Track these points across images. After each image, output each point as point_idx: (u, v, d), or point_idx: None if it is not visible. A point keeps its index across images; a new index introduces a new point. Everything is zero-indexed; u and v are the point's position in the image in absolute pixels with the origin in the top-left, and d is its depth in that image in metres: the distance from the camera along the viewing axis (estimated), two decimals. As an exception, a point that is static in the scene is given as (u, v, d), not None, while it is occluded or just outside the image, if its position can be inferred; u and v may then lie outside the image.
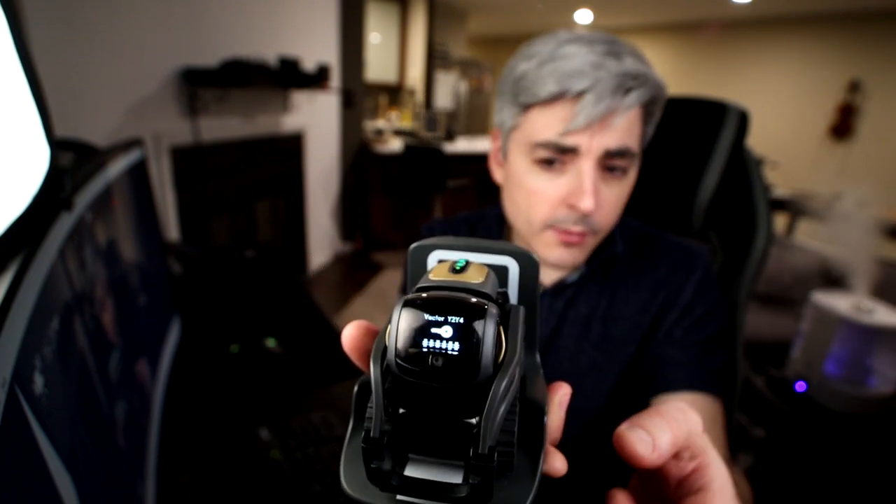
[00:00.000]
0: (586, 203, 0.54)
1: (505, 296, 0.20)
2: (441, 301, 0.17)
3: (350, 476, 0.19)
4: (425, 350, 0.16)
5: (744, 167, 0.77)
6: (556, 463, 0.21)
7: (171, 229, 2.16)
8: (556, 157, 0.56)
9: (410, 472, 0.18)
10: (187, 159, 2.19)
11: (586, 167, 0.54)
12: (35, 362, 0.33)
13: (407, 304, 0.17)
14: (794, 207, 3.26)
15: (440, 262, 0.21)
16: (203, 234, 2.42)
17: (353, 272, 3.54)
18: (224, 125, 2.38)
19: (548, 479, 0.20)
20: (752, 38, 5.48)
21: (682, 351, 0.63)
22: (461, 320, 0.16)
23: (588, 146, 0.53)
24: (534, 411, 0.19)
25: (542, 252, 0.62)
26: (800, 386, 1.14)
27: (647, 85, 0.53)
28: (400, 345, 0.17)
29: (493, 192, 0.70)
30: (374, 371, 0.17)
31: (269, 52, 2.51)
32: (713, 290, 0.66)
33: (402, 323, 0.17)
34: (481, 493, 0.17)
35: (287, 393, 0.91)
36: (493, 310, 0.17)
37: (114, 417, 0.51)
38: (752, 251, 0.76)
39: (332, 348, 1.08)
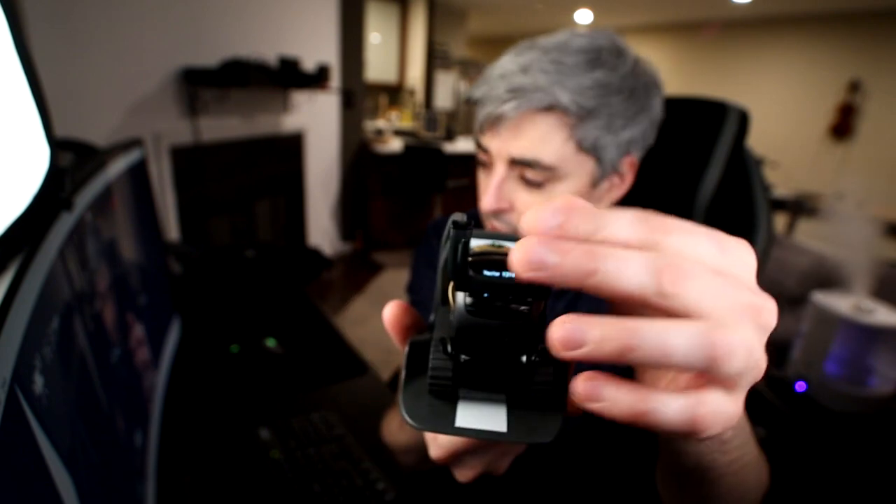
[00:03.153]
0: (484, 202, 0.58)
1: None
2: (500, 259, 0.21)
3: (412, 411, 0.23)
4: (489, 296, 0.20)
5: (744, 167, 0.77)
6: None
7: (171, 229, 2.16)
8: (483, 156, 0.59)
9: (470, 405, 0.22)
10: (187, 159, 2.19)
11: (497, 168, 0.58)
12: (35, 362, 0.33)
13: (472, 263, 0.21)
14: (794, 207, 3.26)
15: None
16: (203, 234, 2.42)
17: (353, 272, 3.54)
18: (224, 125, 2.38)
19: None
20: (752, 38, 5.48)
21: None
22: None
23: (498, 149, 0.57)
24: (559, 365, 0.24)
25: None
26: (800, 386, 1.14)
27: (527, 98, 0.53)
28: (469, 295, 0.21)
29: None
30: (451, 313, 0.21)
31: (269, 52, 2.51)
32: None
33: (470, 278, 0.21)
34: (533, 411, 0.22)
35: (287, 393, 0.91)
36: None
37: (114, 417, 0.51)
38: (752, 251, 0.76)
39: (333, 348, 1.08)
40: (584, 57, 0.54)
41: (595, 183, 0.57)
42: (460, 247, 0.21)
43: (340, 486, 0.69)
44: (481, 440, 0.27)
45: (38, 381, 0.33)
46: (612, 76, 0.54)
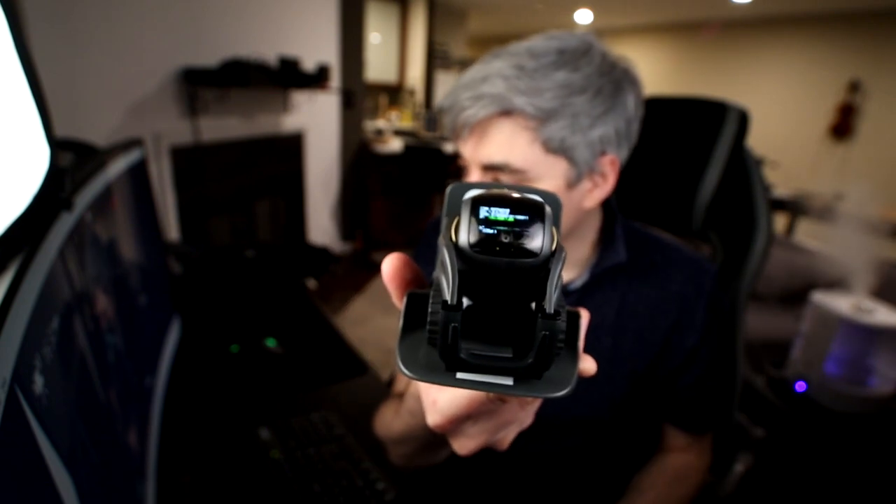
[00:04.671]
0: None
1: None
2: (506, 196, 0.19)
3: (409, 362, 0.21)
4: (496, 232, 0.19)
5: (744, 167, 0.77)
6: (588, 363, 0.24)
7: (171, 229, 2.16)
8: (462, 161, 0.61)
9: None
10: (187, 159, 2.19)
11: (472, 173, 0.59)
12: (35, 362, 0.33)
13: (476, 199, 0.19)
14: (794, 207, 3.26)
15: None
16: (203, 234, 2.42)
17: (353, 272, 3.54)
18: (224, 125, 2.38)
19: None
20: (752, 38, 5.48)
21: (694, 391, 0.67)
22: (526, 209, 0.19)
23: (470, 155, 0.59)
24: (572, 316, 0.22)
25: None
26: (800, 386, 1.14)
27: (482, 105, 0.54)
28: (473, 231, 0.19)
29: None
30: (448, 251, 0.19)
31: (269, 52, 2.51)
32: (722, 307, 0.68)
33: (474, 214, 0.19)
34: (545, 352, 0.19)
35: (287, 393, 0.91)
36: (546, 207, 0.19)
37: (114, 417, 0.51)
38: (751, 251, 0.76)
39: (333, 348, 1.08)
40: (547, 59, 0.54)
41: (571, 184, 0.57)
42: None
43: (340, 486, 0.69)
44: (484, 405, 0.25)
45: (38, 381, 0.33)
46: (575, 76, 0.54)
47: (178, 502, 0.67)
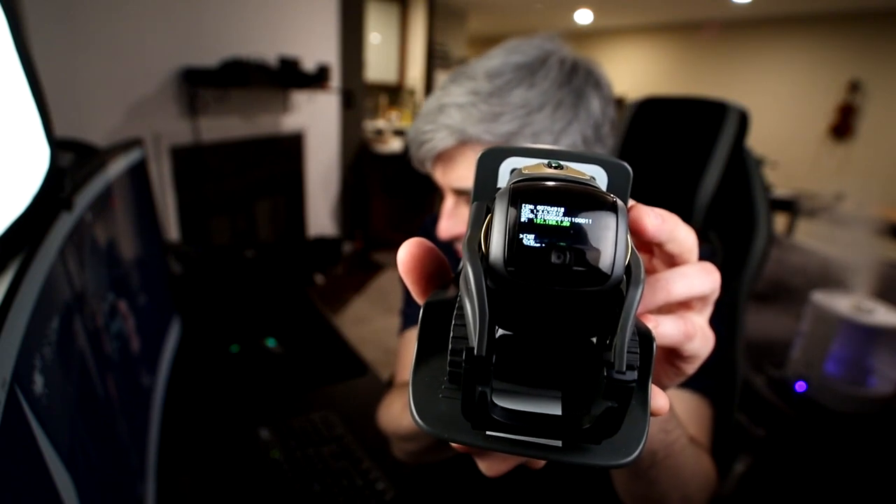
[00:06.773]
0: (439, 230, 0.59)
1: None
2: (561, 189, 0.14)
3: (424, 407, 0.16)
4: (546, 245, 0.13)
5: (744, 167, 0.77)
6: (661, 400, 0.19)
7: (171, 229, 2.16)
8: (437, 184, 0.61)
9: (504, 404, 0.15)
10: (187, 159, 2.19)
11: (447, 198, 0.59)
12: (35, 362, 0.33)
13: (517, 193, 0.14)
14: (794, 207, 3.26)
15: (514, 170, 0.18)
16: (203, 234, 2.42)
17: (353, 272, 3.54)
18: (224, 125, 2.38)
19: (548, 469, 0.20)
20: (752, 38, 5.47)
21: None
22: (590, 210, 0.14)
23: (440, 181, 0.59)
24: (644, 341, 0.15)
25: None
26: (800, 386, 1.14)
27: (441, 138, 0.54)
28: (511, 242, 0.13)
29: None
30: (473, 268, 0.14)
31: (269, 52, 2.51)
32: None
33: (514, 215, 0.14)
34: (609, 423, 0.14)
35: (287, 393, 0.91)
36: (620, 203, 0.14)
37: (114, 417, 0.51)
38: (751, 251, 0.76)
39: (333, 348, 1.08)
40: (503, 80, 0.53)
41: None
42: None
43: (340, 486, 0.69)
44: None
45: (38, 381, 0.33)
46: (531, 93, 0.53)
47: (178, 502, 0.67)
